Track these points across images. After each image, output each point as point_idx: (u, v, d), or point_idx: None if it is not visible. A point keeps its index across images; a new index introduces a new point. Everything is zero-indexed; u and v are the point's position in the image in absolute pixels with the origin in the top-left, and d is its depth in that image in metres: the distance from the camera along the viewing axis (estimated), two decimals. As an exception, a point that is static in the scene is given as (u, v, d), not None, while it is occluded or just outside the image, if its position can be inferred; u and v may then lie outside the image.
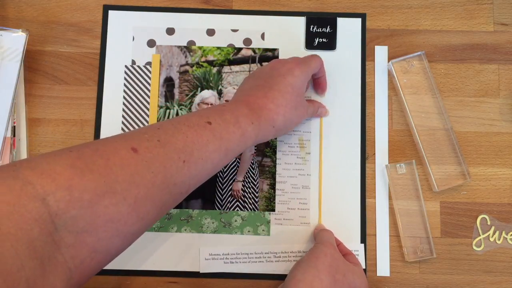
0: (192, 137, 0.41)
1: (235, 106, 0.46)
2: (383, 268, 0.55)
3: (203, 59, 0.59)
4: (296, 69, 0.50)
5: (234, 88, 0.58)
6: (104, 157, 0.36)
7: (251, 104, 0.47)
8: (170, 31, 0.59)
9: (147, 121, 0.58)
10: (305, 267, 0.46)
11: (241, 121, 0.45)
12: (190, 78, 0.59)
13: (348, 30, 0.59)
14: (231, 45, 0.59)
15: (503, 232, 0.55)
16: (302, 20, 0.60)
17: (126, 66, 0.59)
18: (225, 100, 0.58)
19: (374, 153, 0.57)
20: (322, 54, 0.59)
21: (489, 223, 0.55)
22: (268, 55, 0.59)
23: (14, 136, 0.55)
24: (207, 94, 0.58)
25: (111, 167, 0.35)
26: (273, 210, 0.56)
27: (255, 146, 0.57)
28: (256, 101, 0.47)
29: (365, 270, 0.55)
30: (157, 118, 0.58)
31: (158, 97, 0.58)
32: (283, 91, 0.48)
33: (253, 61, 0.59)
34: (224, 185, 0.57)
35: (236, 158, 0.57)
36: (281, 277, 0.54)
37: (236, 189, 0.57)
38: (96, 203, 0.34)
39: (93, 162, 0.35)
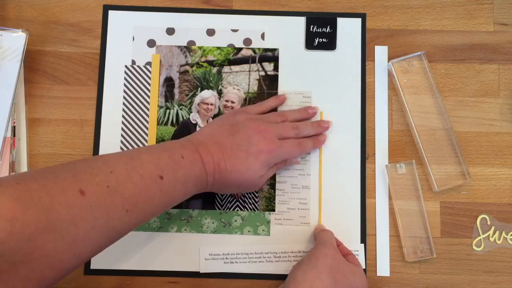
0: (141, 189, 0.42)
1: (193, 162, 0.47)
2: (383, 268, 0.55)
3: (203, 59, 0.59)
4: (263, 155, 0.49)
5: (234, 88, 0.58)
6: (51, 195, 0.36)
7: (208, 167, 0.47)
8: (170, 31, 0.59)
9: (147, 121, 0.58)
10: (306, 268, 0.46)
11: (189, 183, 0.46)
12: (190, 78, 0.59)
13: (348, 30, 0.59)
14: (231, 45, 0.59)
15: (503, 232, 0.55)
16: (302, 20, 0.60)
17: (126, 66, 0.59)
18: (225, 100, 0.58)
19: (374, 153, 0.57)
20: (322, 54, 0.59)
21: (489, 223, 0.55)
22: (268, 55, 0.59)
23: (14, 136, 0.55)
24: (207, 94, 0.58)
25: (55, 206, 0.36)
26: (273, 210, 0.56)
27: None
28: (215, 167, 0.48)
29: (365, 270, 0.55)
30: (157, 118, 0.58)
31: (158, 97, 0.58)
32: (245, 170, 0.49)
33: (253, 61, 0.59)
34: (224, 185, 0.57)
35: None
36: (281, 277, 0.54)
37: (236, 189, 0.57)
38: (35, 238, 0.35)
39: (39, 197, 0.35)
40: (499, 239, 0.55)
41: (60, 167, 0.40)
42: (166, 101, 0.58)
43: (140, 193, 0.42)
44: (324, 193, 0.56)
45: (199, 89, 0.59)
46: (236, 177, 0.48)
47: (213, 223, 0.56)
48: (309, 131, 0.55)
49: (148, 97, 0.58)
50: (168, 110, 0.58)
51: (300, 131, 0.54)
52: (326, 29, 0.59)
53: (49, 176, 0.38)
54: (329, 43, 0.59)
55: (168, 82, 0.59)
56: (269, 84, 0.58)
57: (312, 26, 0.59)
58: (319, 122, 0.56)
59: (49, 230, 0.35)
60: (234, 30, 0.60)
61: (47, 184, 0.37)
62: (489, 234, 0.55)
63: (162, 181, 0.44)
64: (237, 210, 0.56)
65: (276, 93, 0.58)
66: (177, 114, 0.58)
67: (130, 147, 0.57)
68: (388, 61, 0.58)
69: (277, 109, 0.58)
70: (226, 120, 0.52)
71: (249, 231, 0.56)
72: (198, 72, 0.59)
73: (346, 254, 0.53)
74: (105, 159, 0.42)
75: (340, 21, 0.59)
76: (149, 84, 0.58)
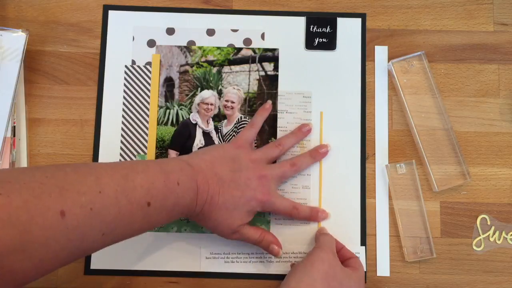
0: (124, 214, 0.41)
1: (187, 190, 0.46)
2: (383, 268, 0.55)
3: (203, 59, 0.59)
4: (254, 202, 0.50)
5: (234, 88, 0.58)
6: (30, 214, 0.35)
7: (201, 197, 0.47)
8: (170, 31, 0.59)
9: (147, 121, 0.58)
10: (300, 275, 0.46)
11: (175, 211, 0.45)
12: (190, 78, 0.59)
13: (348, 30, 0.59)
14: (231, 45, 0.59)
15: (503, 232, 0.55)
16: (302, 20, 0.60)
17: (126, 66, 0.59)
18: (225, 100, 0.58)
19: (374, 153, 0.57)
20: (322, 54, 0.59)
21: (489, 223, 0.55)
22: (268, 55, 0.59)
23: (14, 136, 0.55)
24: (207, 94, 0.58)
25: (32, 227, 0.35)
26: (273, 210, 0.56)
27: (255, 146, 0.57)
28: (207, 199, 0.47)
29: (365, 272, 0.54)
30: (157, 118, 0.58)
31: (158, 97, 0.58)
32: (232, 209, 0.49)
33: (253, 61, 0.59)
34: (224, 185, 0.57)
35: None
36: (281, 277, 0.53)
37: (236, 189, 0.56)
38: (4, 257, 0.34)
39: (17, 216, 0.34)
40: (499, 239, 0.55)
41: (50, 175, 0.38)
42: (166, 101, 0.58)
43: (122, 219, 0.41)
44: (324, 193, 0.56)
45: (199, 89, 0.59)
46: (221, 214, 0.48)
47: (213, 223, 0.56)
48: (307, 163, 0.55)
49: (148, 97, 0.58)
50: (168, 110, 0.58)
51: (298, 167, 0.54)
52: (326, 29, 0.59)
53: (35, 189, 0.36)
54: (329, 43, 0.59)
55: (168, 82, 0.59)
56: (269, 84, 0.58)
57: (312, 26, 0.59)
58: (317, 149, 0.56)
59: (19, 251, 0.35)
60: (234, 30, 0.60)
61: (30, 200, 0.35)
62: (489, 234, 0.55)
63: (148, 208, 0.42)
64: (237, 210, 0.56)
65: (276, 93, 0.58)
66: (177, 114, 0.58)
67: (130, 147, 0.57)
68: (388, 61, 0.58)
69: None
70: (227, 153, 0.51)
71: (249, 231, 0.56)
72: (198, 72, 0.59)
73: (349, 258, 0.52)
74: (98, 175, 0.40)
75: (340, 21, 0.59)
76: (149, 84, 0.58)
